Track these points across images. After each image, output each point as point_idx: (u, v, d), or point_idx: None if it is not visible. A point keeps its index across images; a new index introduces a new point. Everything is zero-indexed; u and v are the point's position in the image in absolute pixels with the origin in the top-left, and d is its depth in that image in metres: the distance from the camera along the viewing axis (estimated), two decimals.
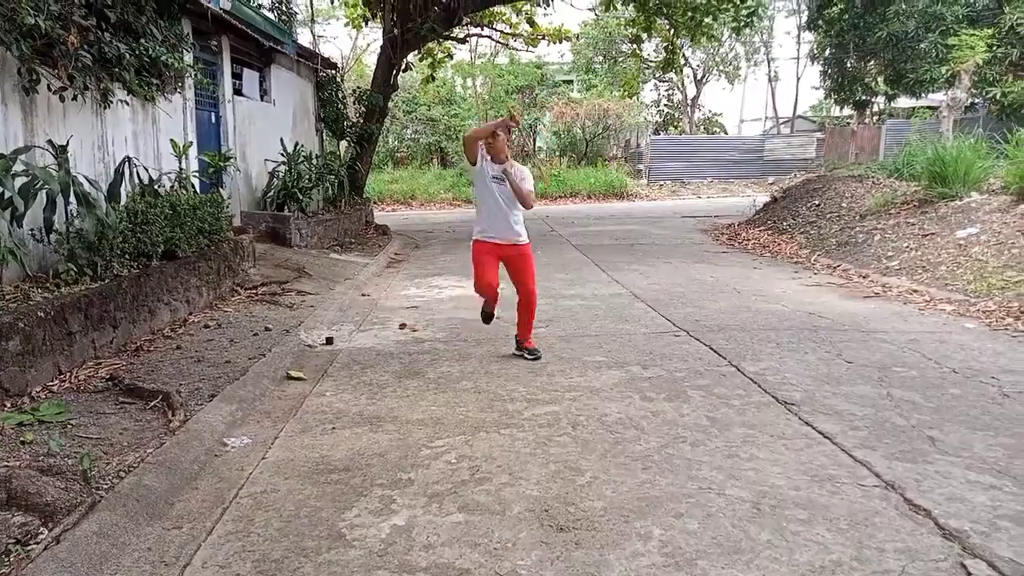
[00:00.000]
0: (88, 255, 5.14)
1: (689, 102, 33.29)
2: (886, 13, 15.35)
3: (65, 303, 4.40)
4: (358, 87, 15.26)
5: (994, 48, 13.75)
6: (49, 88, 5.40)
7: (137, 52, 6.37)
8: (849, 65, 18.00)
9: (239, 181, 9.67)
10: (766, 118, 37.05)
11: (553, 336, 5.75)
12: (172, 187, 6.91)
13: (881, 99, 21.05)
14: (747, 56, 34.12)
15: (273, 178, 10.50)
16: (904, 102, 23.21)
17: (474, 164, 4.99)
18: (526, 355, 5.13)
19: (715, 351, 5.19)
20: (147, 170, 6.53)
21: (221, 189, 8.28)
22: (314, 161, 11.50)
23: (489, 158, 4.99)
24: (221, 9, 8.20)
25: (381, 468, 3.34)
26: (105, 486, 3.00)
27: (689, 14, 13.78)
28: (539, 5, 15.24)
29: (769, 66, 34.74)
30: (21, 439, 3.37)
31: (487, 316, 5.44)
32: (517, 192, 4.92)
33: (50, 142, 5.29)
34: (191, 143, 7.75)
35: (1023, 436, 3.54)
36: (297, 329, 5.90)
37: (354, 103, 14.28)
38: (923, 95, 17.83)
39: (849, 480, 3.11)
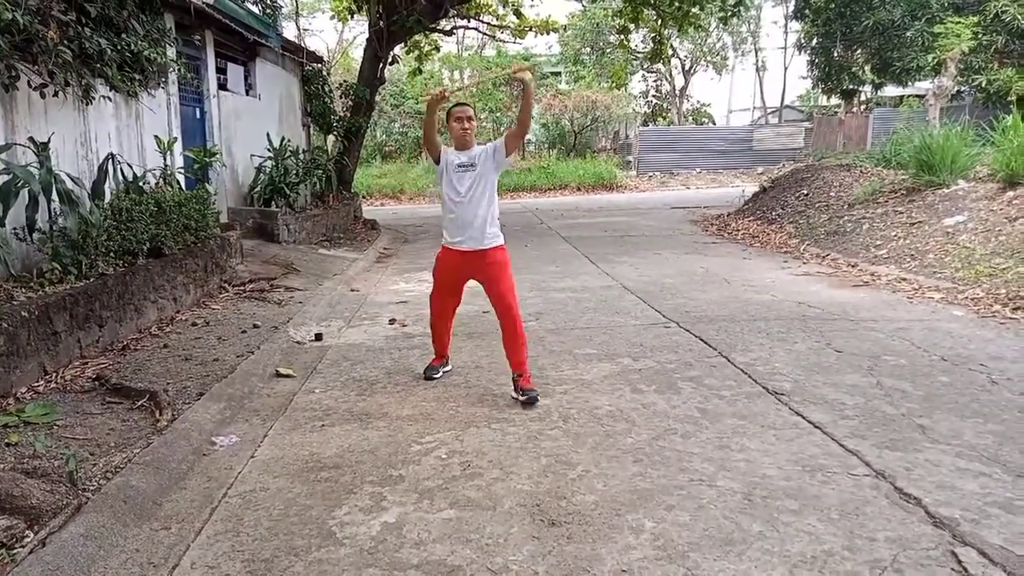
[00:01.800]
0: (72, 254, 5.08)
1: (677, 93, 33.29)
2: (872, 2, 15.39)
3: (50, 302, 4.34)
4: (345, 81, 15.15)
5: (980, 36, 13.81)
6: (29, 84, 5.32)
7: (119, 47, 6.28)
8: (836, 54, 18.04)
9: (225, 177, 9.59)
10: (754, 108, 37.14)
11: (543, 329, 5.74)
12: (157, 184, 6.83)
13: (868, 88, 21.11)
14: (735, 46, 34.16)
15: (260, 173, 10.41)
16: (891, 91, 23.31)
17: (438, 161, 4.38)
18: (519, 397, 4.13)
19: (705, 342, 5.19)
20: (131, 167, 6.45)
21: (207, 185, 8.19)
22: (301, 156, 11.41)
23: (453, 147, 4.40)
24: (204, 3, 8.10)
25: (371, 465, 3.32)
26: (92, 487, 2.96)
27: (676, 4, 13.76)
28: None
29: (757, 56, 34.80)
30: (6, 441, 3.33)
31: (430, 371, 4.62)
32: (521, 121, 4.27)
33: (31, 139, 5.22)
34: (176, 139, 7.66)
35: (1012, 423, 3.56)
36: (286, 326, 5.86)
37: (341, 97, 14.18)
38: (910, 84, 17.90)
39: (840, 470, 3.11)
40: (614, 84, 20.94)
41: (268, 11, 11.26)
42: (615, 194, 22.21)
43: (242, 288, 7.09)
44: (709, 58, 33.26)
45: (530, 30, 16.17)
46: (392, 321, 6.22)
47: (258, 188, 10.33)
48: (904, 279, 7.02)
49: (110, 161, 6.02)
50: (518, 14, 15.78)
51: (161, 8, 7.27)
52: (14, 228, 5.05)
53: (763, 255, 9.34)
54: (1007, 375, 4.27)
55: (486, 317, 5.79)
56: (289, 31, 17.08)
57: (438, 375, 4.61)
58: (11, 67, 5.06)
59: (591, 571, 2.42)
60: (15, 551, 2.49)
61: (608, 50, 29.06)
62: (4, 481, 2.83)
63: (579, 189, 22.79)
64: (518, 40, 17.39)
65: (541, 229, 13.06)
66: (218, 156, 8.83)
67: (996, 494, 2.85)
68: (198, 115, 9.02)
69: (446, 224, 4.39)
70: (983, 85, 14.76)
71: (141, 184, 6.36)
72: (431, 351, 4.82)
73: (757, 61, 34.95)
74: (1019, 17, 13.66)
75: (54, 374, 4.28)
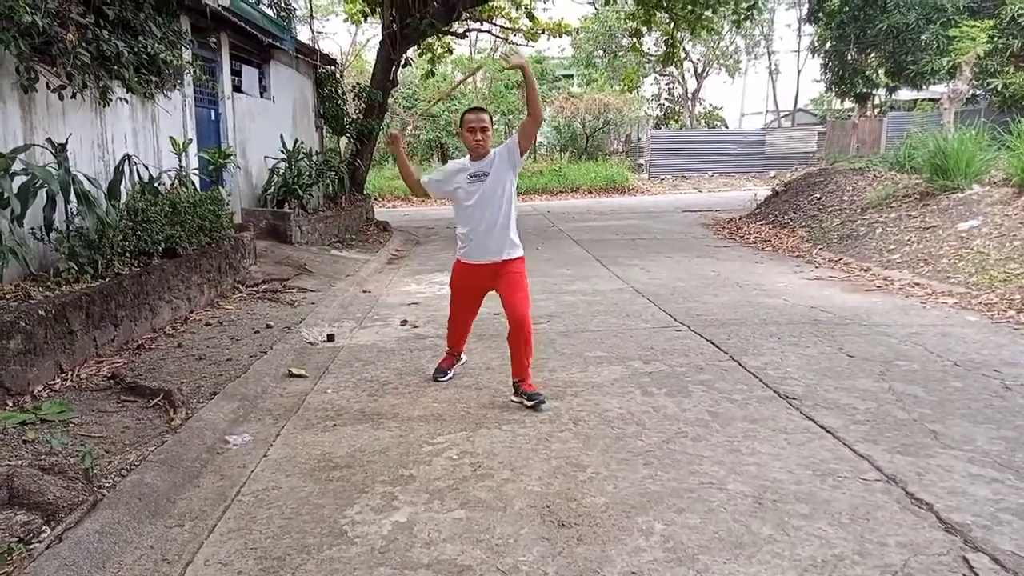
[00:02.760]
0: (89, 253, 5.14)
1: (689, 96, 33.26)
2: (886, 5, 15.30)
3: (66, 302, 4.39)
4: (358, 83, 15.24)
5: (995, 39, 13.71)
6: (48, 86, 5.39)
7: (136, 49, 6.35)
8: (850, 58, 17.94)
9: (239, 178, 9.66)
10: (767, 111, 37.03)
11: (554, 331, 5.75)
12: (172, 185, 6.90)
13: (882, 92, 21.01)
14: (747, 49, 34.13)
15: (273, 175, 10.48)
16: (905, 94, 23.18)
17: (434, 195, 4.29)
18: (524, 401, 4.02)
19: (716, 346, 5.19)
20: (147, 168, 6.52)
21: (221, 186, 8.26)
22: (314, 158, 11.48)
23: (468, 158, 4.16)
24: (219, 6, 8.17)
25: (383, 465, 3.34)
26: (107, 484, 3.00)
27: (689, 7, 13.76)
28: None
29: (770, 59, 34.71)
30: (23, 438, 3.37)
31: (439, 374, 4.53)
32: (532, 112, 3.93)
33: (49, 140, 5.28)
34: (191, 140, 7.74)
35: None
36: (298, 326, 5.90)
37: (354, 99, 14.26)
38: (924, 87, 17.78)
39: (851, 474, 3.10)
40: (626, 87, 20.93)
41: (282, 14, 11.34)
42: (627, 197, 22.20)
43: (255, 289, 7.14)
44: (722, 61, 33.22)
45: (543, 33, 16.22)
46: (404, 322, 6.25)
47: (271, 189, 10.41)
48: (917, 284, 6.98)
49: (126, 162, 6.09)
50: (531, 17, 15.83)
51: (177, 11, 7.35)
52: (32, 228, 5.12)
53: (775, 259, 9.31)
54: (1021, 381, 4.24)
55: (497, 319, 5.81)
56: (303, 34, 17.19)
57: (447, 377, 4.57)
58: (30, 69, 5.13)
59: (601, 573, 2.43)
60: (32, 546, 2.52)
61: (620, 53, 29.08)
62: (22, 477, 2.87)
63: (591, 192, 22.80)
64: (531, 43, 17.43)
65: (552, 232, 13.07)
66: (232, 157, 8.91)
67: (1009, 500, 2.84)
68: (213, 117, 9.10)
69: (461, 236, 4.15)
70: (999, 89, 14.65)
71: (156, 185, 6.43)
72: (442, 352, 4.82)
73: (770, 64, 34.88)
74: None
75: (70, 372, 4.33)
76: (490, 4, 15.18)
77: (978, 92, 16.24)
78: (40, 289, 4.71)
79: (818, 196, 11.76)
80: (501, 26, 16.46)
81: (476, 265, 4.13)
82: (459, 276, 4.26)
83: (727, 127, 34.17)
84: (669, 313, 6.27)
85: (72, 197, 5.16)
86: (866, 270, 7.91)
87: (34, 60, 5.16)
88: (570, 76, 33.17)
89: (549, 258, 9.75)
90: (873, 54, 17.41)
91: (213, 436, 3.66)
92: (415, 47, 14.88)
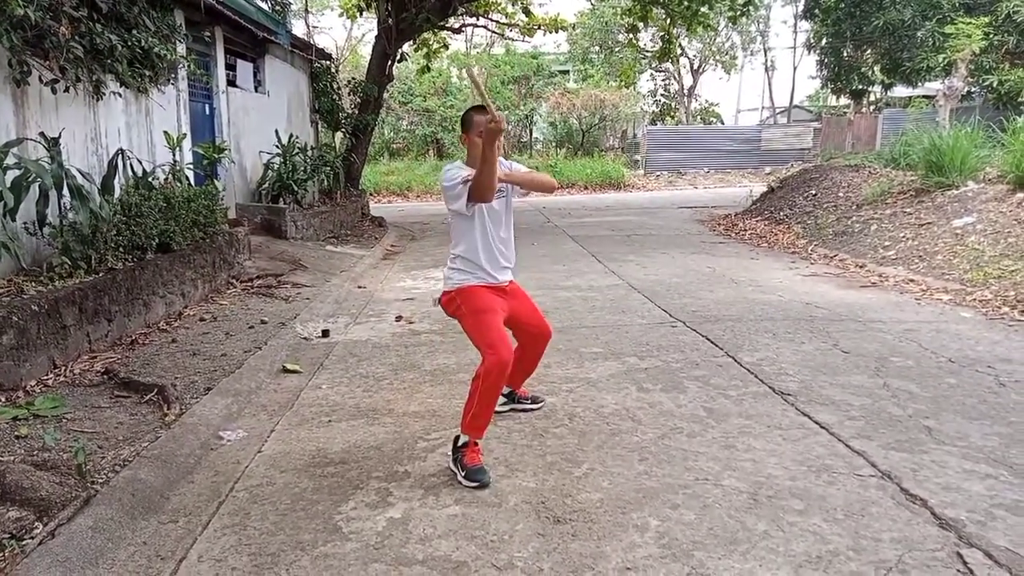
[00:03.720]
0: (82, 248, 5.11)
1: (686, 92, 33.22)
2: (883, 1, 15.30)
3: (59, 296, 4.37)
4: (353, 78, 15.19)
5: (991, 36, 13.72)
6: (41, 80, 5.36)
7: (129, 43, 6.32)
8: (845, 54, 17.94)
9: (234, 173, 9.63)
10: (763, 108, 37.00)
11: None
12: (166, 179, 6.87)
13: (878, 88, 21.00)
14: (744, 46, 34.05)
15: (268, 170, 10.45)
16: (901, 91, 23.15)
17: (456, 199, 3.26)
18: (529, 404, 3.92)
19: (712, 341, 5.19)
20: (141, 162, 6.48)
21: (216, 181, 8.24)
22: (309, 152, 11.44)
23: (466, 162, 3.38)
24: None
25: (377, 461, 3.33)
26: (100, 480, 2.99)
27: (685, 3, 13.73)
28: None
29: (766, 56, 34.65)
30: (16, 433, 3.36)
31: (483, 475, 3.11)
32: (529, 184, 3.47)
33: (42, 134, 5.25)
34: (185, 135, 7.70)
35: (1019, 425, 3.55)
36: (293, 322, 5.88)
37: (349, 94, 14.22)
38: (920, 84, 17.78)
39: (846, 470, 3.11)
40: (622, 83, 20.92)
41: (278, 8, 11.29)
42: (623, 193, 22.19)
43: (250, 284, 7.12)
44: (718, 57, 33.17)
45: (539, 28, 16.17)
46: (399, 318, 6.23)
47: (266, 184, 10.38)
48: (912, 280, 7.00)
49: (120, 156, 6.05)
50: (527, 12, 15.77)
51: (171, 4, 7.31)
52: (25, 222, 5.09)
53: (771, 255, 9.32)
54: (1015, 377, 4.25)
55: None
56: (298, 28, 17.10)
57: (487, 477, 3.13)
58: (23, 62, 5.09)
59: (596, 568, 2.42)
60: (25, 542, 2.51)
61: (617, 49, 29.03)
62: (14, 473, 2.85)
63: (586, 188, 22.77)
64: (527, 38, 17.38)
65: (548, 228, 13.05)
66: (227, 152, 8.87)
67: (1002, 496, 2.84)
68: (207, 111, 9.06)
69: (470, 261, 3.37)
70: (994, 86, 14.66)
71: (150, 180, 6.39)
72: (437, 348, 4.78)
73: (766, 61, 34.82)
74: None
75: (63, 368, 4.31)
76: None
77: (973, 89, 16.25)
78: (33, 284, 4.68)
79: (813, 193, 11.77)
80: (497, 21, 16.41)
81: (494, 287, 3.43)
82: (481, 298, 3.35)
83: (723, 123, 34.16)
84: (664, 309, 6.27)
85: (65, 192, 5.13)
86: (861, 266, 7.92)
87: (27, 53, 5.12)
88: (566, 72, 33.07)
89: (544, 254, 9.74)
90: (869, 51, 17.40)
91: (207, 432, 3.65)
92: (411, 42, 14.82)
